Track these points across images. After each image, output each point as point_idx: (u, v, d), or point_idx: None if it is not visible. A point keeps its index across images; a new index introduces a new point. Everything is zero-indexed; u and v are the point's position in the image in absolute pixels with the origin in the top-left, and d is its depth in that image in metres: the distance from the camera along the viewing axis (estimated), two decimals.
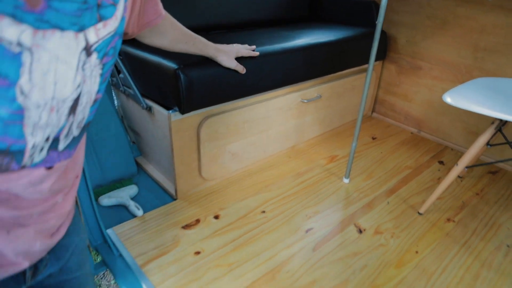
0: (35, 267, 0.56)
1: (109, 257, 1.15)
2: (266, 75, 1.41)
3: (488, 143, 1.42)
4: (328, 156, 1.74)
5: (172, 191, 1.39)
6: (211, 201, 1.39)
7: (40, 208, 0.49)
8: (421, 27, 1.88)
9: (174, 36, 1.00)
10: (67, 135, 0.46)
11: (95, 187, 1.41)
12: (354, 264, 1.14)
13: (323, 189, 1.49)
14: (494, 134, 1.25)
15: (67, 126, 0.45)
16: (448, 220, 1.36)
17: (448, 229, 1.31)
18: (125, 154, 1.49)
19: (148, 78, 1.30)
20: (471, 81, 1.34)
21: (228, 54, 1.22)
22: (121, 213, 1.31)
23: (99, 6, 0.44)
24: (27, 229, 0.49)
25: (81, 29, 0.41)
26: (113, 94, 1.60)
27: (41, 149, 0.43)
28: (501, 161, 1.37)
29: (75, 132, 0.48)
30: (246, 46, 1.33)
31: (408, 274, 1.11)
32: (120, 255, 1.14)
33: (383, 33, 1.98)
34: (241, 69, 1.26)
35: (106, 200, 1.33)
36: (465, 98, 1.18)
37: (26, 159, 0.42)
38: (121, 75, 1.44)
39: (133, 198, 1.38)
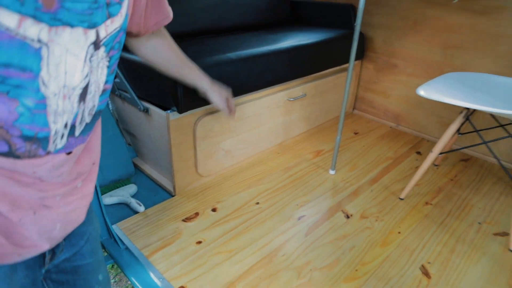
0: (53, 252, 0.63)
1: (115, 250, 1.22)
2: (255, 75, 1.51)
3: (459, 132, 1.56)
4: (314, 150, 1.85)
5: (171, 188, 1.47)
6: (208, 195, 1.47)
7: (62, 190, 0.55)
8: (395, 28, 2.02)
9: (171, 55, 0.97)
10: (81, 122, 0.51)
11: None
12: (344, 245, 1.24)
13: (311, 180, 1.60)
14: (463, 122, 1.38)
15: (80, 113, 0.50)
16: (426, 203, 1.48)
17: (427, 211, 1.43)
18: (123, 155, 1.56)
19: (145, 81, 1.38)
20: (441, 76, 1.48)
21: (221, 94, 1.18)
22: (123, 210, 1.38)
23: (108, 4, 0.48)
24: (51, 211, 0.54)
25: (92, 26, 0.46)
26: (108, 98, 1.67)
27: (62, 136, 0.49)
28: (468, 147, 1.51)
29: (87, 118, 0.53)
30: (232, 102, 1.23)
31: (392, 252, 1.23)
32: (127, 248, 1.21)
33: (361, 34, 2.11)
34: (228, 112, 1.21)
35: (108, 199, 1.40)
36: (436, 91, 1.30)
37: (50, 145, 0.48)
38: (116, 80, 1.51)
39: (133, 196, 1.45)
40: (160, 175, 1.56)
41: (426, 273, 1.15)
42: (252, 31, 1.99)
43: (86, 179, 0.61)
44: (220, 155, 1.55)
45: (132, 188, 1.46)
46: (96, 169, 0.66)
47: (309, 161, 1.75)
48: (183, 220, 1.33)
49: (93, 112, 0.53)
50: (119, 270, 1.47)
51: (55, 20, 0.40)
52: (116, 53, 0.54)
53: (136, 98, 1.44)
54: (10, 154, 0.44)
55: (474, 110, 1.43)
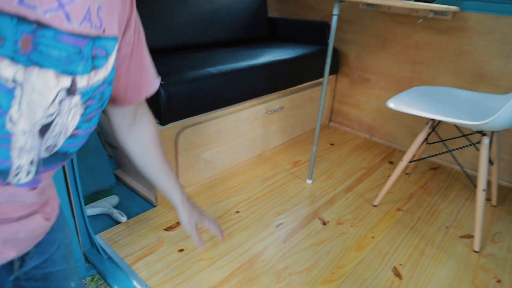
0: (22, 259, 0.63)
1: (98, 260, 1.23)
2: (234, 89, 1.57)
3: (427, 142, 1.66)
4: (291, 161, 1.92)
5: (152, 198, 1.50)
6: None
7: (22, 213, 0.55)
8: (367, 45, 2.14)
9: (150, 155, 0.86)
10: (41, 156, 0.52)
11: None
12: (321, 250, 1.30)
13: (289, 190, 1.66)
14: (430, 133, 1.48)
15: (41, 148, 0.51)
16: (398, 209, 1.57)
17: (399, 217, 1.51)
18: (104, 167, 1.58)
19: None
20: (409, 89, 1.58)
21: (190, 217, 0.96)
22: (105, 221, 1.40)
23: (93, 57, 0.50)
24: (12, 224, 0.54)
25: (69, 73, 0.46)
26: None
27: (28, 173, 0.50)
28: (434, 155, 1.62)
29: (44, 154, 0.51)
30: (217, 224, 0.97)
31: (366, 255, 1.29)
32: (109, 258, 1.23)
33: (335, 50, 2.22)
34: (196, 241, 0.94)
35: (90, 210, 1.41)
36: (404, 104, 1.40)
37: (11, 178, 0.49)
38: None
39: (115, 207, 1.47)
40: (142, 186, 1.59)
41: (398, 274, 1.21)
42: (231, 46, 2.06)
43: (47, 202, 0.62)
44: (201, 166, 1.60)
45: (114, 199, 1.48)
46: (54, 189, 0.67)
47: (287, 171, 1.81)
48: (165, 229, 1.36)
49: (52, 151, 0.52)
50: (100, 283, 1.47)
51: (29, 61, 0.42)
52: (96, 103, 0.54)
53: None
54: None
55: (440, 121, 1.53)
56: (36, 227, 0.60)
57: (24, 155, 0.47)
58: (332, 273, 1.20)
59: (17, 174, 0.48)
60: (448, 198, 1.67)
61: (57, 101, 0.47)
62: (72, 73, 0.47)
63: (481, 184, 1.31)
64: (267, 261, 1.23)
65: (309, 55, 1.98)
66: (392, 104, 1.39)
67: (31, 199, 0.55)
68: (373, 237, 1.39)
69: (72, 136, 0.53)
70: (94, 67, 0.50)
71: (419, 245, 1.36)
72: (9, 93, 0.41)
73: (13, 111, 0.43)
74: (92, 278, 1.43)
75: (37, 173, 0.51)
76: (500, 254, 1.34)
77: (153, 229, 1.36)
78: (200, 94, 1.43)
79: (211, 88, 1.48)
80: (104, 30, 0.52)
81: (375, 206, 1.58)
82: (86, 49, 0.48)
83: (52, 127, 0.49)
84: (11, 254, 0.56)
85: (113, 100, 0.72)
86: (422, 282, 1.19)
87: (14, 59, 0.40)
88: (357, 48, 2.19)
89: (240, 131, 1.73)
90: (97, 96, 0.53)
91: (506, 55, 1.68)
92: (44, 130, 0.48)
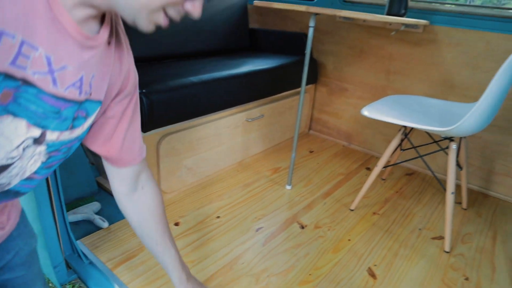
0: None
1: (79, 265, 1.24)
2: (215, 97, 1.62)
3: (401, 149, 1.74)
4: (272, 168, 1.96)
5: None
6: (171, 211, 1.53)
7: None
8: (344, 55, 2.22)
9: (149, 220, 0.86)
10: None
11: None
12: (298, 253, 1.34)
13: (269, 195, 1.70)
14: (403, 139, 1.55)
15: None
16: (374, 213, 1.62)
17: (374, 220, 1.57)
18: (86, 174, 1.59)
19: None
20: (383, 98, 1.65)
21: None
22: (87, 227, 1.41)
23: (74, 118, 0.52)
24: None
25: (40, 126, 0.48)
26: None
27: None
28: (406, 161, 1.69)
29: None
30: None
31: (343, 257, 1.34)
32: (91, 263, 1.24)
33: (314, 60, 2.29)
34: None
35: (72, 216, 1.42)
36: (378, 112, 1.47)
37: None
38: None
39: (97, 214, 1.48)
40: None
41: (372, 275, 1.26)
42: (213, 56, 2.12)
43: (3, 211, 0.64)
44: (183, 172, 1.63)
45: (95, 206, 1.50)
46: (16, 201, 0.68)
47: (267, 178, 1.86)
48: None
49: (4, 188, 0.53)
50: None
51: (4, 110, 0.43)
52: (60, 155, 0.55)
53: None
54: None
55: (412, 128, 1.61)
56: None
57: None
58: (309, 274, 1.24)
59: None
60: (421, 202, 1.74)
61: (21, 147, 0.48)
62: (44, 127, 0.49)
63: (450, 187, 1.38)
64: (246, 264, 1.27)
65: (288, 65, 2.05)
66: (366, 112, 1.46)
67: None
68: (349, 240, 1.44)
69: (28, 178, 0.54)
70: (73, 127, 0.53)
71: (393, 246, 1.42)
72: None
73: None
74: (73, 286, 1.43)
75: None
76: (469, 254, 1.41)
77: (134, 234, 1.37)
78: (181, 102, 1.47)
79: (192, 97, 1.52)
80: (91, 94, 0.54)
81: (352, 210, 1.63)
82: (68, 111, 0.50)
83: (10, 168, 0.49)
84: None
85: (108, 159, 0.73)
86: (395, 281, 1.24)
87: None
88: (335, 58, 2.27)
89: (221, 138, 1.77)
90: (64, 149, 0.55)
91: (473, 66, 1.78)
92: (1, 169, 0.49)
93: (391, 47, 2.01)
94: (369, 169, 2.04)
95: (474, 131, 1.28)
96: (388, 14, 1.77)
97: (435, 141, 1.61)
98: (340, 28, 2.19)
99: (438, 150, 1.52)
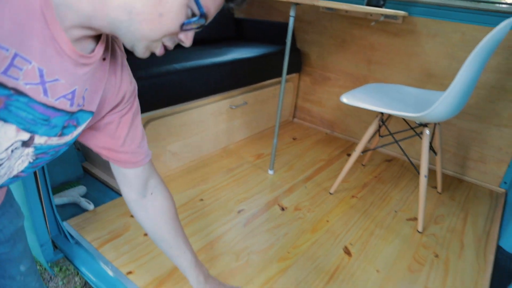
0: None
1: (65, 245, 1.28)
2: (199, 84, 1.65)
3: (380, 135, 1.80)
4: (255, 154, 2.01)
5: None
6: None
7: None
8: (327, 45, 2.27)
9: (162, 225, 0.89)
10: None
11: None
12: (278, 232, 1.40)
13: (252, 180, 1.75)
14: (381, 126, 1.61)
15: None
16: (353, 196, 1.69)
17: (353, 203, 1.64)
18: (72, 159, 1.62)
19: None
20: (363, 86, 1.71)
21: None
22: (73, 209, 1.44)
23: (64, 127, 0.53)
24: None
25: (29, 131, 0.50)
26: None
27: None
28: (382, 146, 1.75)
29: None
30: None
31: (320, 236, 1.40)
32: (77, 243, 1.28)
33: (297, 50, 2.34)
34: None
35: (58, 199, 1.45)
36: (356, 99, 1.52)
37: None
38: None
39: (82, 197, 1.51)
40: (109, 177, 1.64)
41: (348, 252, 1.33)
42: (200, 45, 2.14)
43: None
44: (167, 157, 1.67)
45: (81, 189, 1.53)
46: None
47: (250, 163, 1.91)
48: (131, 216, 1.42)
49: None
50: (68, 273, 1.51)
51: None
52: (47, 157, 0.57)
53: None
54: None
55: (389, 115, 1.67)
56: None
57: None
58: (288, 252, 1.30)
59: None
60: (399, 186, 1.82)
61: (10, 149, 0.49)
62: (33, 132, 0.50)
63: (423, 170, 1.45)
64: (227, 243, 1.32)
65: (272, 54, 2.09)
66: (345, 99, 1.51)
67: None
68: (327, 221, 1.50)
69: (14, 177, 0.56)
70: (62, 134, 0.54)
71: (369, 227, 1.48)
72: None
73: None
74: (60, 269, 1.47)
75: None
76: (440, 234, 1.48)
77: (119, 216, 1.41)
78: (165, 89, 1.51)
79: (176, 83, 1.55)
80: (84, 106, 0.56)
81: (331, 194, 1.69)
82: (57, 120, 0.53)
83: None
84: None
85: (109, 159, 0.78)
86: (370, 258, 1.31)
87: None
88: (318, 48, 2.32)
89: (205, 124, 1.81)
90: (52, 152, 0.57)
91: (449, 56, 1.85)
92: None
93: (372, 38, 2.06)
94: (349, 155, 2.10)
95: (445, 117, 1.34)
96: (368, 4, 1.82)
97: (411, 128, 1.68)
98: (323, 19, 2.23)
99: (413, 136, 1.59)
